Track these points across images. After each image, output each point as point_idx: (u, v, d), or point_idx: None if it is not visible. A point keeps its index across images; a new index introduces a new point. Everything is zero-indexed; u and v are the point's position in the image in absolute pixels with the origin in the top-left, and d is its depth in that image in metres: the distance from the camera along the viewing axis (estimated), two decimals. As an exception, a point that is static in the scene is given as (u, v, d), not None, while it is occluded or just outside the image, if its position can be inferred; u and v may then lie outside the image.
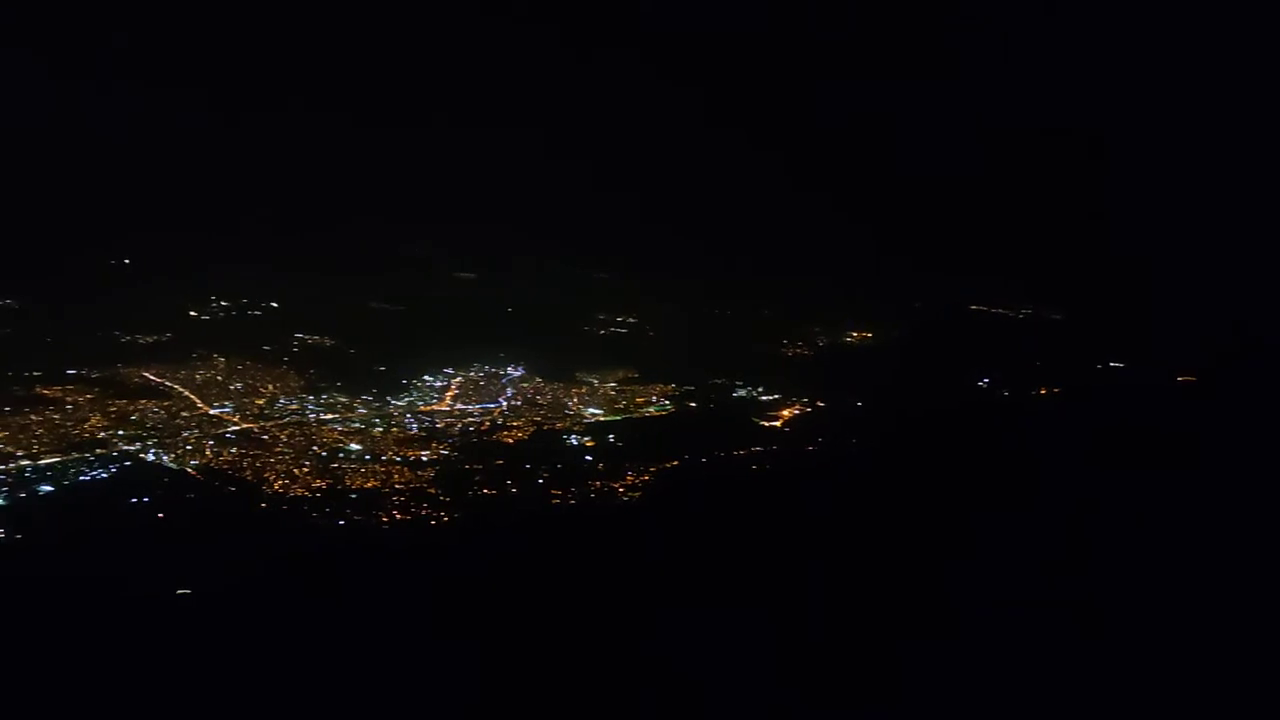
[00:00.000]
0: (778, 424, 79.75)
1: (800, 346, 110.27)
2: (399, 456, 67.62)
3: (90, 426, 69.80)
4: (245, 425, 72.96)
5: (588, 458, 68.98)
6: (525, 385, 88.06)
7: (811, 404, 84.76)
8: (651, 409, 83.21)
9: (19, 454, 63.64)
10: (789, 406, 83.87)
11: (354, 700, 30.16)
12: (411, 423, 75.99)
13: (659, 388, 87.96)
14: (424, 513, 57.32)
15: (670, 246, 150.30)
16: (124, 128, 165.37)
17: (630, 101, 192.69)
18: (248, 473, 63.37)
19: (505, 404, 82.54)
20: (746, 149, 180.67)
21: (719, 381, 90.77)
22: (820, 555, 45.68)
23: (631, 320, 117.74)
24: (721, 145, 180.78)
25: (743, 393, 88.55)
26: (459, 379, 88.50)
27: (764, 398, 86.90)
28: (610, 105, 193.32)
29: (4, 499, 57.15)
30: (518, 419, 78.40)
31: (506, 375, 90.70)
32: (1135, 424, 70.81)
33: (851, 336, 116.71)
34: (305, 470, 63.82)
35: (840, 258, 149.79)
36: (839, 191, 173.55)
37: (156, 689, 29.08)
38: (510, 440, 72.99)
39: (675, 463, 67.63)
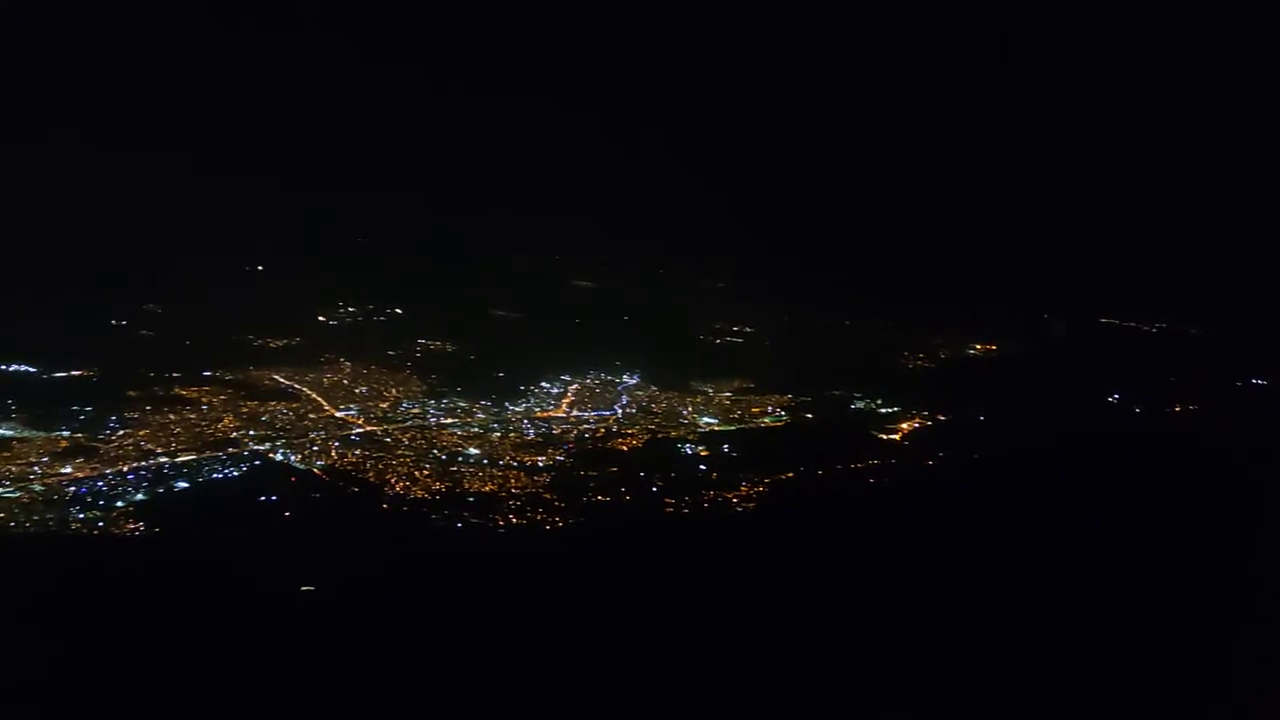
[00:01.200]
0: (896, 437, 78.16)
1: (921, 358, 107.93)
2: (516, 461, 68.43)
3: (224, 426, 72.55)
4: (369, 428, 74.85)
5: (702, 467, 68.71)
6: (640, 393, 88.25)
7: (932, 418, 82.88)
8: (767, 419, 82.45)
9: (158, 451, 66.54)
10: (909, 420, 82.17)
11: (466, 699, 30.48)
12: (528, 428, 76.88)
13: (775, 398, 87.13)
14: (539, 518, 57.85)
15: (788, 254, 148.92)
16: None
17: (745, 106, 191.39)
18: (370, 474, 64.96)
19: (620, 411, 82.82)
20: (865, 153, 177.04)
21: (836, 393, 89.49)
22: (937, 575, 44.37)
23: (748, 329, 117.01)
24: (839, 148, 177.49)
25: (861, 405, 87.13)
26: (575, 386, 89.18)
27: (883, 410, 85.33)
28: (725, 108, 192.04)
29: (144, 494, 59.75)
30: (632, 427, 78.59)
31: (622, 383, 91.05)
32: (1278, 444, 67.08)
33: (975, 349, 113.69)
34: (425, 473, 65.08)
35: (964, 267, 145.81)
36: (964, 198, 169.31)
37: (278, 684, 29.83)
38: (625, 448, 73.20)
39: (790, 475, 66.85)
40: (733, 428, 79.31)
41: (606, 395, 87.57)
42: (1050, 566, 45.38)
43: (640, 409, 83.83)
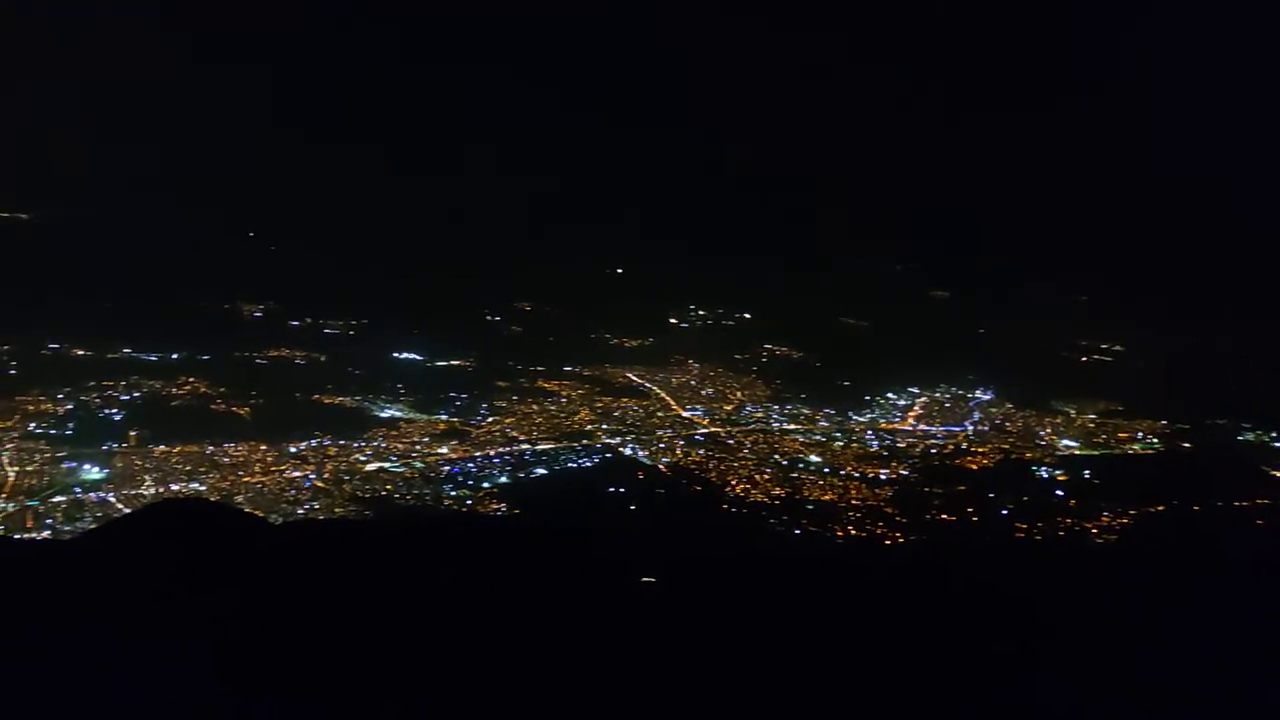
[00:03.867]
0: (1294, 476, 69.26)
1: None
2: (857, 472, 67.25)
3: (580, 419, 76.62)
4: (713, 429, 76.28)
5: (1059, 493, 64.19)
6: (994, 410, 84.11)
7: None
8: (1136, 446, 75.89)
9: (521, 439, 71.28)
10: (1310, 457, 72.65)
11: (782, 704, 29.90)
12: (872, 439, 75.38)
13: (1146, 423, 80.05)
14: (879, 531, 56.42)
15: (1167, 267, 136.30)
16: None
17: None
18: (712, 474, 66.12)
19: (971, 428, 79.36)
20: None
21: (1220, 422, 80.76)
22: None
23: (1117, 348, 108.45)
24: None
25: (1250, 436, 78.04)
26: (924, 399, 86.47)
27: (1277, 444, 75.97)
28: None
29: (507, 477, 64.17)
30: (984, 445, 75.03)
31: (974, 398, 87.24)
32: None
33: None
34: (766, 477, 65.38)
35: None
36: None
37: (611, 670, 30.56)
38: (974, 466, 69.97)
39: (1161, 508, 60.89)
40: (1096, 453, 73.64)
41: (957, 410, 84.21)
42: None
43: (993, 427, 79.89)
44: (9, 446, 63.18)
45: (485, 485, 62.70)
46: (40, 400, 71.01)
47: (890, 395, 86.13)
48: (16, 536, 50.19)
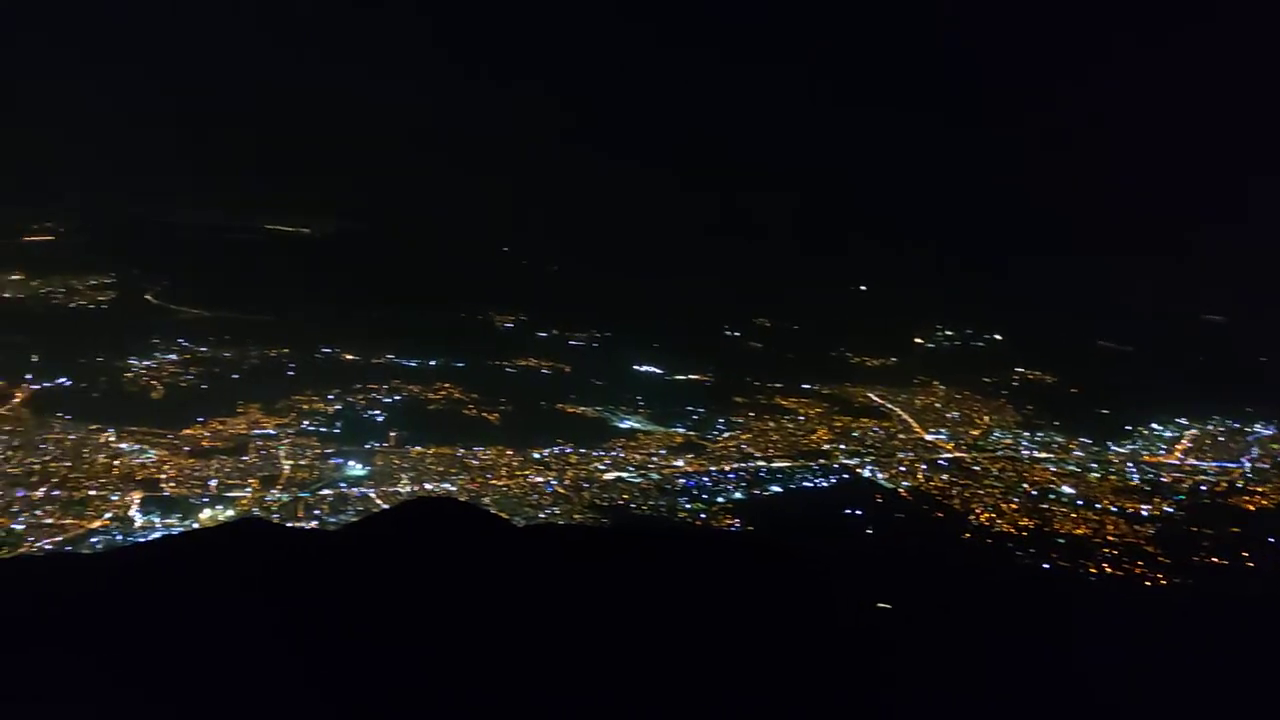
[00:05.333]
0: None
1: None
2: (1115, 506, 62.99)
3: (817, 438, 75.49)
4: (957, 454, 73.42)
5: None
6: (1276, 447, 76.79)
7: None
8: None
9: (756, 455, 70.96)
10: None
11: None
12: (1133, 472, 70.42)
13: None
14: (1137, 571, 52.51)
15: None
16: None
17: None
18: (955, 501, 63.64)
19: (1249, 465, 72.75)
20: None
21: None
22: None
23: None
24: None
25: None
26: (1194, 431, 79.98)
27: None
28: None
29: (741, 493, 64.02)
30: (1263, 484, 68.62)
31: (1254, 433, 79.97)
32: None
33: None
34: (1013, 506, 62.34)
35: None
36: None
37: (836, 695, 29.78)
38: (1251, 507, 64.11)
39: None
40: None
41: (1232, 445, 77.38)
42: None
43: (1275, 464, 72.96)
44: (285, 442, 68.70)
45: (719, 500, 62.80)
46: (313, 400, 76.82)
47: (1155, 426, 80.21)
48: (289, 525, 54.31)
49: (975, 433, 78.47)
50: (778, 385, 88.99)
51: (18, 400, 73.54)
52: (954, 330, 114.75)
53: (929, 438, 77.00)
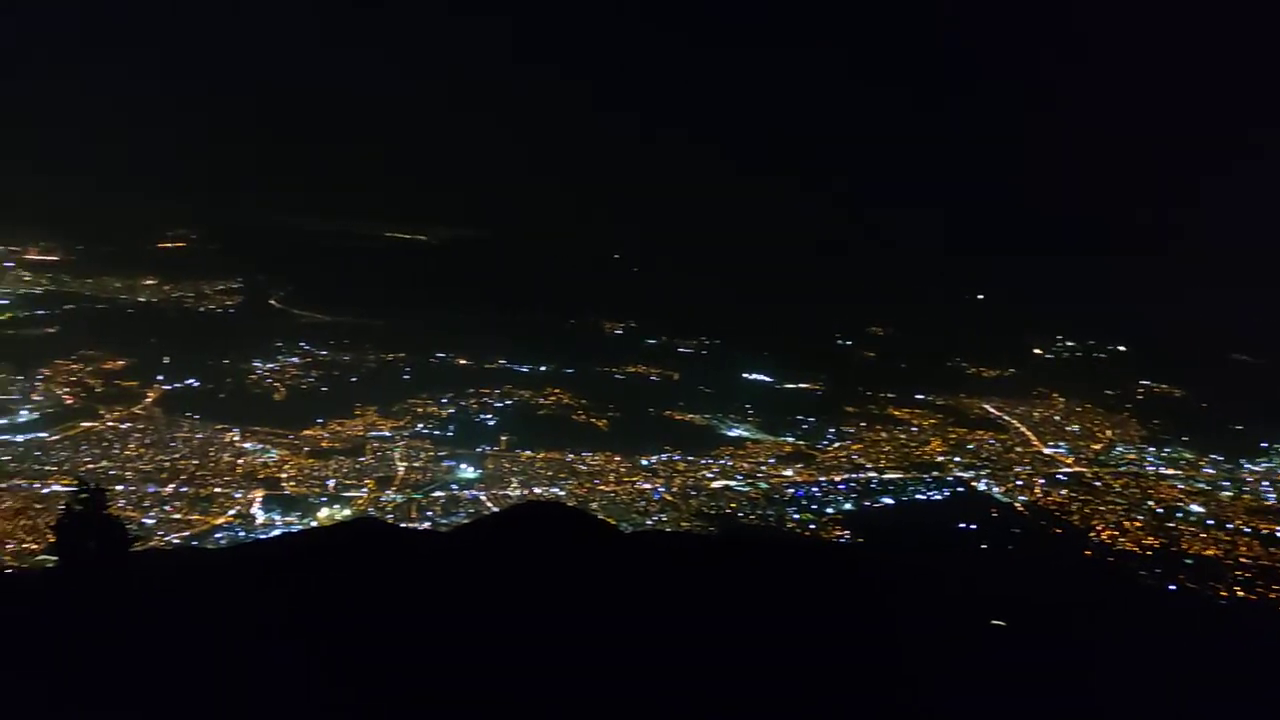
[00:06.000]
0: None
1: None
2: (1248, 527, 60.07)
3: (930, 450, 73.98)
4: (1078, 468, 71.08)
5: None
6: None
7: None
8: None
9: (868, 466, 69.86)
10: None
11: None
12: (1269, 492, 67.15)
13: None
14: (1272, 595, 49.96)
15: None
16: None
17: None
18: (1075, 517, 61.60)
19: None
20: None
21: None
22: None
23: None
24: None
25: None
26: (1340, 449, 76.05)
27: None
28: None
29: (851, 504, 63.07)
30: None
31: None
32: None
33: None
34: (1137, 524, 60.03)
35: None
36: None
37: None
38: (1401, 532, 60.52)
39: None
40: None
41: (1377, 464, 73.26)
42: None
43: None
44: (400, 444, 70.28)
45: (829, 510, 62.00)
46: (427, 403, 78.53)
47: (1293, 443, 76.35)
48: (403, 525, 55.46)
49: (1097, 447, 75.92)
50: (890, 395, 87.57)
51: (150, 400, 76.86)
52: (1075, 341, 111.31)
53: (1048, 451, 74.75)
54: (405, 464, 66.83)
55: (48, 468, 62.69)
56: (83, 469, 62.56)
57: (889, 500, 64.17)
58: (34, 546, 52.36)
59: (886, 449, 73.51)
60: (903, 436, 76.51)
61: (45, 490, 59.04)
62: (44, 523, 54.36)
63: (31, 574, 40.14)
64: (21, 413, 71.96)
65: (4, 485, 59.58)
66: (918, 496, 65.14)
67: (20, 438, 67.30)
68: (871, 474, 68.24)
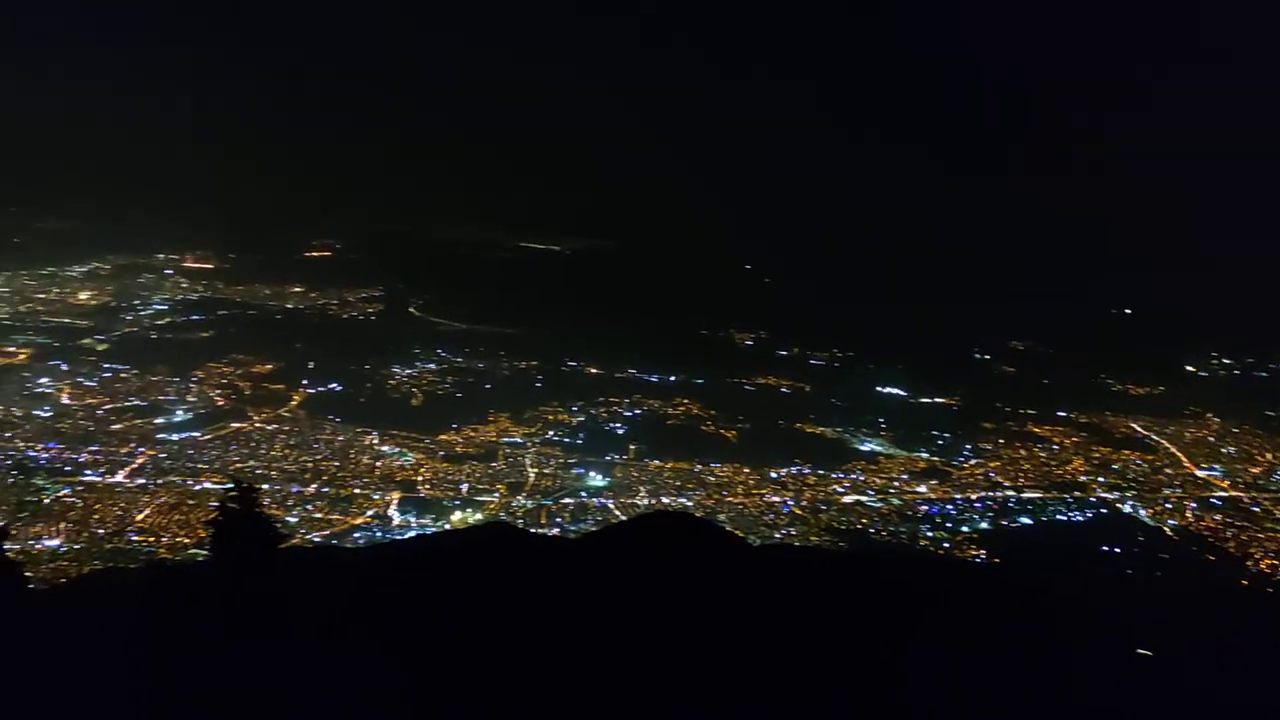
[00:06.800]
0: None
1: None
2: None
3: (1072, 469, 71.19)
4: (1234, 493, 67.38)
5: None
6: None
7: None
8: None
9: (1005, 484, 67.65)
10: None
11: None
12: None
13: None
14: None
15: None
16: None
17: None
18: (1230, 544, 58.38)
19: None
20: None
21: None
22: None
23: None
24: None
25: None
26: None
27: None
28: None
29: (988, 523, 61.16)
30: None
31: None
32: None
33: None
34: (1299, 553, 56.61)
35: None
36: None
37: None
38: None
39: None
40: None
41: None
42: None
43: None
44: (531, 451, 71.26)
45: (964, 529, 60.23)
46: (558, 411, 79.48)
47: None
48: (533, 531, 56.18)
49: (1255, 470, 71.84)
50: (1031, 412, 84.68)
51: (295, 402, 79.84)
52: (1231, 358, 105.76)
53: (1200, 474, 71.07)
54: (536, 470, 67.71)
55: (199, 465, 65.70)
56: (232, 468, 65.32)
57: (1027, 520, 61.98)
58: (186, 540, 54.84)
59: (1026, 467, 71.07)
60: (1043, 454, 73.87)
61: (197, 487, 61.88)
62: (196, 518, 57.10)
63: (185, 567, 42.07)
64: (177, 412, 75.63)
65: (160, 481, 62.65)
66: (1058, 517, 62.76)
67: (175, 436, 70.70)
68: (1009, 492, 66.05)
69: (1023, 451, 74.37)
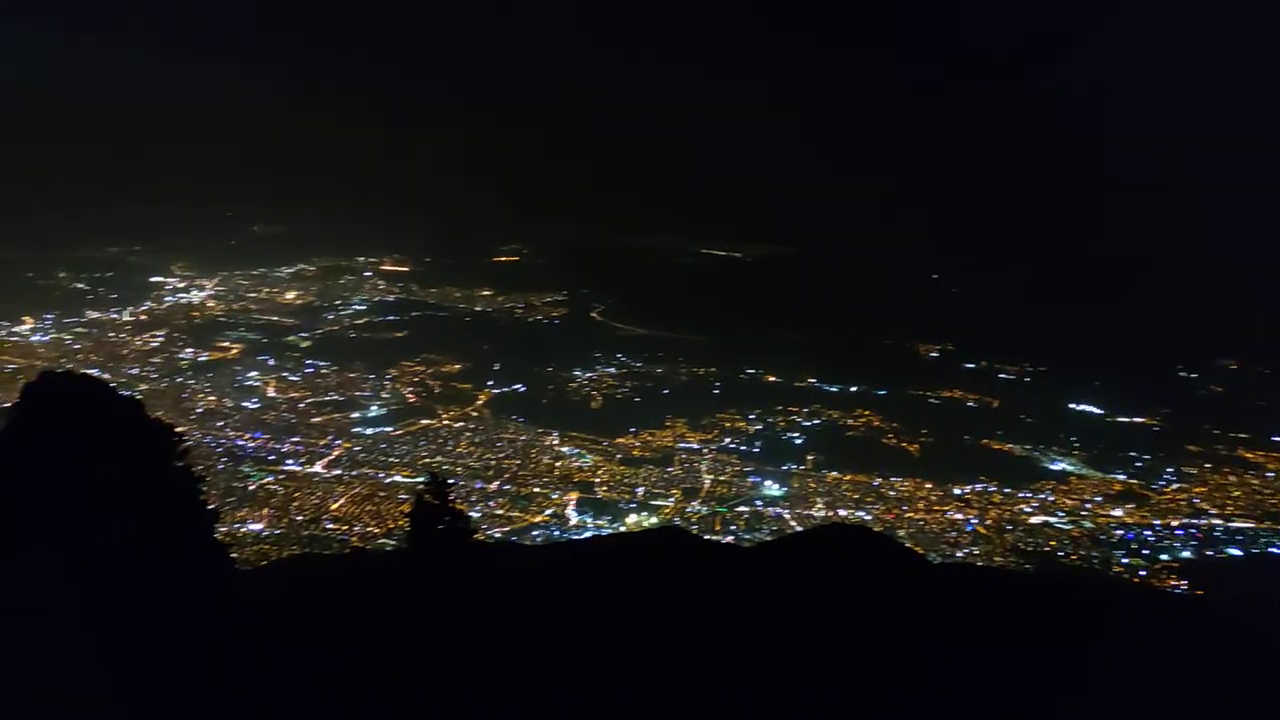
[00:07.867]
0: None
1: None
2: None
3: (1290, 497, 66.20)
4: None
5: None
6: None
7: None
8: None
9: (1211, 511, 63.43)
10: None
11: None
12: None
13: None
14: None
15: None
16: None
17: None
18: None
19: None
20: None
21: None
22: None
23: None
24: None
25: None
26: None
27: None
28: None
29: (1190, 552, 57.50)
30: None
31: None
32: None
33: None
34: None
35: None
36: None
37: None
38: None
39: None
40: None
41: None
42: None
43: None
44: (707, 457, 71.35)
45: (1163, 557, 56.73)
46: (735, 419, 79.36)
47: None
48: (706, 537, 56.11)
49: None
50: (1242, 435, 78.92)
51: (481, 402, 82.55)
52: None
53: None
54: (711, 477, 67.69)
55: (391, 459, 68.74)
56: (420, 463, 67.99)
57: (1236, 551, 57.86)
58: (376, 530, 57.37)
59: (1235, 494, 66.41)
60: (1255, 482, 68.81)
61: (388, 480, 64.71)
62: (386, 509, 59.73)
63: (377, 556, 43.94)
64: (371, 408, 79.46)
65: (354, 473, 65.82)
66: (1270, 549, 58.29)
67: (369, 430, 74.27)
68: (1216, 520, 61.83)
69: (1232, 478, 69.51)
